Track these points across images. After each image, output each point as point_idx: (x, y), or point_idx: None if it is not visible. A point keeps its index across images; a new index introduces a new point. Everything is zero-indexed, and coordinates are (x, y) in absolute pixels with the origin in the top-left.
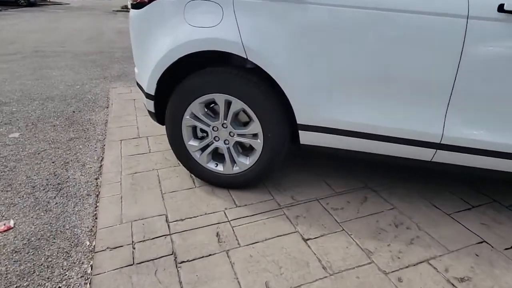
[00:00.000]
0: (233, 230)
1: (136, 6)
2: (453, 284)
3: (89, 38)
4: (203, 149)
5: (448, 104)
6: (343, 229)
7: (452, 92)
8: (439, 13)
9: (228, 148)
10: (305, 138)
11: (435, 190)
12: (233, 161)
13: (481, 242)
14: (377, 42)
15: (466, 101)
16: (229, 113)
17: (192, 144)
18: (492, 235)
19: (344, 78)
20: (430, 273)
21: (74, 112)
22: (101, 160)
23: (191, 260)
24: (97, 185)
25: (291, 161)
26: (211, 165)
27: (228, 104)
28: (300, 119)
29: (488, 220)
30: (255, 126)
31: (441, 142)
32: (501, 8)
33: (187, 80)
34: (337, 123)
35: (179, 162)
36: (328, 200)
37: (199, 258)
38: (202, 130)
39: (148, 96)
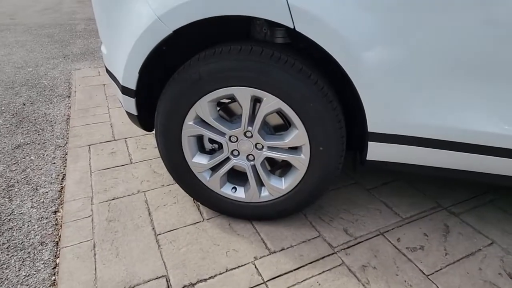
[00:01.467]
0: None
1: None
2: None
3: (45, 8)
4: (214, 169)
5: None
6: None
7: None
8: None
9: (254, 166)
10: (376, 152)
11: None
12: (261, 184)
13: None
14: None
15: None
16: (257, 116)
17: (198, 162)
18: None
19: (458, 59)
20: None
21: (24, 104)
22: (62, 178)
23: None
24: (56, 225)
25: None
26: (227, 190)
27: (256, 102)
28: (374, 126)
29: None
30: (299, 136)
31: None
32: None
33: (190, 66)
34: (437, 131)
35: (184, 191)
36: (396, 232)
37: None
38: (211, 140)
39: (125, 91)
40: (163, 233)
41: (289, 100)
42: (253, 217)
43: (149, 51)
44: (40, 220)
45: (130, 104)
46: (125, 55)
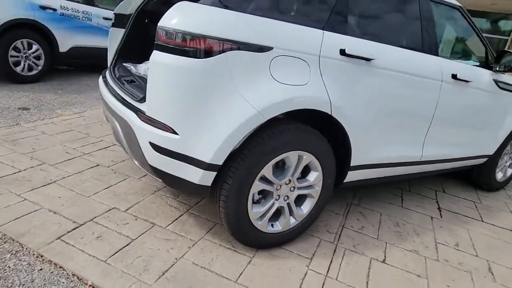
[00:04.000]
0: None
1: (193, 53)
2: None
3: None
4: (264, 214)
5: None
6: (387, 243)
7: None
8: (426, 76)
9: (288, 204)
10: (352, 176)
11: (374, 193)
12: (289, 215)
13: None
14: (403, 97)
15: None
16: (298, 168)
17: (256, 211)
18: (415, 215)
19: (393, 127)
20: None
21: None
22: (79, 279)
23: None
24: None
25: None
26: (270, 228)
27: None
28: (354, 162)
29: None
30: (319, 176)
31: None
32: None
33: (264, 142)
34: (383, 159)
35: (238, 239)
36: (348, 223)
37: None
38: (259, 192)
39: (210, 167)
40: (240, 278)
41: (317, 155)
42: (284, 242)
43: (246, 134)
44: None
45: (209, 177)
46: (219, 139)
